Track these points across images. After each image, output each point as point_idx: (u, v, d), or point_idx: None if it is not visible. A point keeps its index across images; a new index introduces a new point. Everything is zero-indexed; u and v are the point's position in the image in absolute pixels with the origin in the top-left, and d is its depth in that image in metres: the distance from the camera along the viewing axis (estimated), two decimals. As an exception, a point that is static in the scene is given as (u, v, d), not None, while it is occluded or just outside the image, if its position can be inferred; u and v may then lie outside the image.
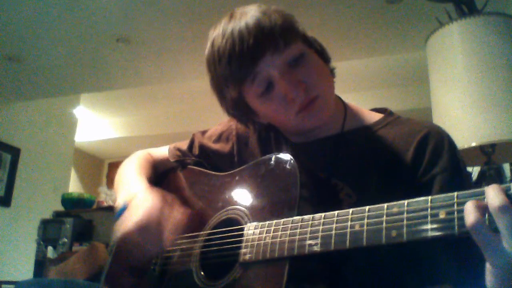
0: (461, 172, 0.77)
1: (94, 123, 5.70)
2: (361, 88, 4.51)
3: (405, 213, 0.56)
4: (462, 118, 1.57)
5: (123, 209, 0.83)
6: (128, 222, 0.79)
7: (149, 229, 0.77)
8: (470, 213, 0.49)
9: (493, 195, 0.48)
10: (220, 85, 0.84)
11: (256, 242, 0.71)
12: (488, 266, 0.51)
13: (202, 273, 0.79)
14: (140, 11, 2.72)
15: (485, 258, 0.51)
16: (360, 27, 2.93)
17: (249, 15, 0.78)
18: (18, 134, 4.12)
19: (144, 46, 3.14)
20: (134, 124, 5.65)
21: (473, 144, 1.52)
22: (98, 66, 3.46)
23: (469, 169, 1.88)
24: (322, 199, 0.66)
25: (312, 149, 0.87)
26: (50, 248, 3.22)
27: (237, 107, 0.86)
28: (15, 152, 4.08)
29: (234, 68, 0.78)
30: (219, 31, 0.80)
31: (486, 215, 0.49)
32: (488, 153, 1.61)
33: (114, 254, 0.93)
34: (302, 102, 0.78)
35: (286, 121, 0.83)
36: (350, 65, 3.77)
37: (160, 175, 1.04)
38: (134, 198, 0.84)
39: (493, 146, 1.59)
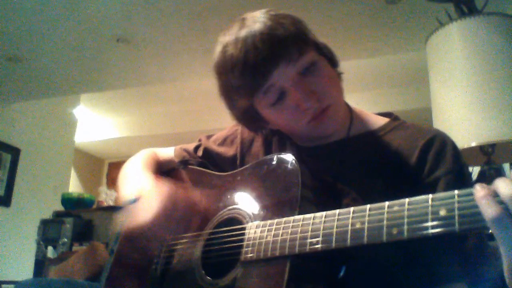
0: (464, 177, 0.78)
1: (94, 123, 5.70)
2: (361, 88, 4.51)
3: (405, 210, 0.56)
4: (462, 118, 1.57)
5: (134, 200, 0.84)
6: (143, 212, 0.80)
7: (165, 218, 0.79)
8: (491, 206, 0.48)
9: (504, 185, 0.49)
10: (230, 93, 0.84)
11: (257, 241, 0.71)
12: (505, 265, 0.50)
13: (203, 272, 0.79)
14: (140, 11, 2.72)
15: (502, 255, 0.50)
16: (360, 27, 2.93)
17: (261, 22, 0.77)
18: (18, 134, 4.12)
19: (144, 46, 3.14)
20: (134, 124, 5.65)
21: (473, 144, 1.52)
22: (98, 66, 3.46)
23: (469, 169, 1.88)
24: (327, 204, 0.66)
25: (318, 154, 0.87)
26: (50, 248, 3.22)
27: (246, 115, 0.86)
28: (15, 152, 4.08)
29: (247, 78, 0.77)
30: (231, 38, 0.79)
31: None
32: (488, 153, 1.61)
33: (120, 245, 0.94)
34: (314, 111, 0.78)
35: (297, 129, 0.83)
36: (350, 65, 3.76)
37: (163, 175, 1.04)
38: (146, 189, 0.85)
39: (493, 146, 1.59)
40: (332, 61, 0.86)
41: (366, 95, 4.55)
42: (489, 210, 0.48)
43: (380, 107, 1.05)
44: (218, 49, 0.82)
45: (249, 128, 0.94)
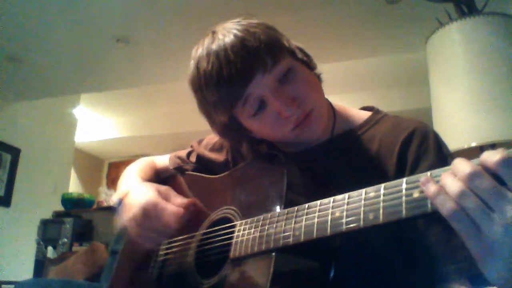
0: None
1: (94, 123, 5.70)
2: (361, 88, 4.51)
3: (381, 196, 0.56)
4: (462, 118, 1.57)
5: (119, 204, 0.87)
6: (125, 216, 0.83)
7: (146, 219, 0.80)
8: (445, 203, 0.48)
9: (451, 182, 0.48)
10: (208, 109, 0.83)
11: (245, 238, 0.72)
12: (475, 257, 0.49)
13: (196, 272, 0.80)
14: (140, 11, 2.72)
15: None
16: (360, 27, 2.93)
17: (232, 34, 0.76)
18: (18, 134, 4.12)
19: (144, 46, 3.14)
20: (134, 124, 5.64)
21: (473, 144, 1.52)
22: (98, 66, 3.46)
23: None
24: None
25: (304, 158, 0.87)
26: (50, 248, 3.22)
27: (228, 129, 0.85)
28: (15, 152, 4.08)
29: (223, 93, 0.76)
30: (203, 52, 0.78)
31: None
32: (488, 153, 1.61)
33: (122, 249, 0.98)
34: (297, 118, 0.78)
35: (282, 137, 0.82)
36: (350, 65, 3.76)
37: (161, 182, 1.06)
38: (128, 194, 0.87)
39: (493, 146, 1.59)
40: (309, 65, 0.85)
41: (366, 95, 4.55)
42: (444, 208, 0.48)
43: (380, 107, 1.04)
44: (191, 65, 0.81)
45: (234, 142, 0.93)
